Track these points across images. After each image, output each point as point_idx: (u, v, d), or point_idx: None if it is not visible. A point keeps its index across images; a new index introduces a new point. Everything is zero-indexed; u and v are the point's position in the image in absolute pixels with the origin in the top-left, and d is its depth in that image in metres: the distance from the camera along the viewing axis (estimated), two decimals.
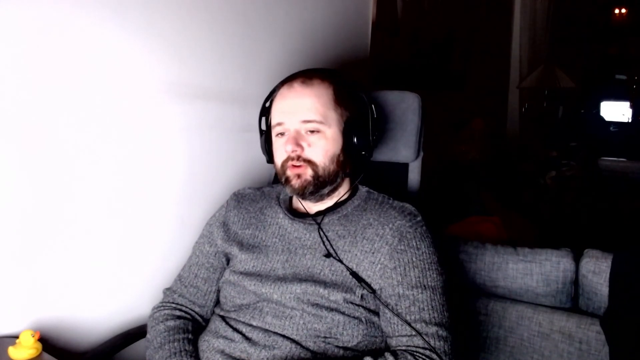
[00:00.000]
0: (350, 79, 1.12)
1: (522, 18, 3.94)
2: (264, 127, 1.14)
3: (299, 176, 1.02)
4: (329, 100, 1.03)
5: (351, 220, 1.05)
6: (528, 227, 2.26)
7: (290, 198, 1.15)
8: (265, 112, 1.13)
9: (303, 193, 1.03)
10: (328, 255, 1.01)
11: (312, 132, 1.02)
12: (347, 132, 1.05)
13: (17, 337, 0.99)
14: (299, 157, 1.01)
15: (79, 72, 1.09)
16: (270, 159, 1.12)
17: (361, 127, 1.06)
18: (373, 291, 0.97)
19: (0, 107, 0.98)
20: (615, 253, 1.12)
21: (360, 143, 1.05)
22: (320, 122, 1.01)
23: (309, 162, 1.02)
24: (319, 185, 1.03)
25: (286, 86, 1.06)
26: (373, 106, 1.09)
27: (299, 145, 1.01)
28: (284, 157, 1.03)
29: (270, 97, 1.11)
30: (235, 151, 1.46)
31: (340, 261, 1.00)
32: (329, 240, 1.02)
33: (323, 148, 1.02)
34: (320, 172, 1.02)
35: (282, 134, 1.04)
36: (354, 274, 0.98)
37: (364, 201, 1.09)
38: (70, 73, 1.07)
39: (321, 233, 1.03)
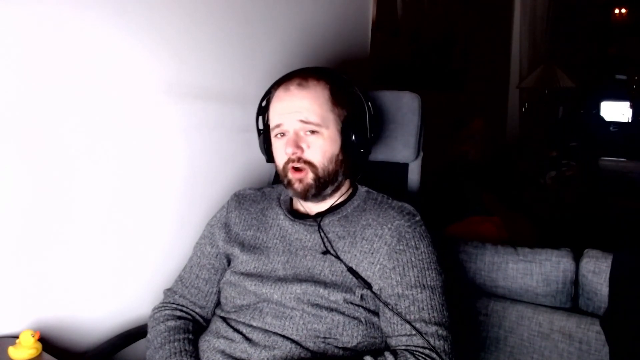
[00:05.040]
0: (346, 76, 1.11)
1: (522, 18, 3.93)
2: (261, 126, 1.15)
3: (300, 180, 1.03)
4: (326, 102, 1.03)
5: (351, 221, 1.05)
6: (528, 227, 2.25)
7: (291, 199, 1.15)
8: (262, 111, 1.14)
9: (306, 196, 1.04)
10: (326, 252, 1.01)
11: (311, 132, 1.02)
12: (345, 131, 1.05)
13: (17, 337, 0.99)
14: (299, 159, 1.02)
15: (79, 72, 1.09)
16: (269, 158, 1.13)
17: (358, 125, 1.06)
18: (369, 287, 0.97)
19: (0, 107, 0.98)
20: (615, 253, 1.13)
21: (359, 141, 1.05)
22: (318, 125, 1.02)
23: (309, 163, 1.02)
24: (321, 186, 1.04)
25: (282, 88, 1.05)
26: (369, 103, 1.09)
27: (299, 147, 1.01)
28: (285, 159, 1.04)
29: (267, 96, 1.11)
30: (235, 151, 1.46)
31: (338, 257, 1.00)
32: (329, 241, 1.03)
33: (322, 149, 1.02)
34: (321, 173, 1.03)
35: (282, 134, 1.04)
36: (351, 270, 0.98)
37: (363, 201, 1.09)
38: (70, 73, 1.07)
39: (321, 233, 1.04)
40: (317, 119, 1.02)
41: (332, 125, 1.04)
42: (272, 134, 1.07)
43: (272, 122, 1.06)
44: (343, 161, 1.06)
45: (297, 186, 1.03)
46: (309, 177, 1.02)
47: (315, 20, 1.70)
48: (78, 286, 1.15)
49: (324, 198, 1.08)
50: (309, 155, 1.02)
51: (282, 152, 1.04)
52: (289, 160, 1.03)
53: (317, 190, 1.04)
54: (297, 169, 1.02)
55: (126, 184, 1.21)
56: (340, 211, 1.08)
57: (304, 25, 1.65)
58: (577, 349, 1.11)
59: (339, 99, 1.06)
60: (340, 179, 1.07)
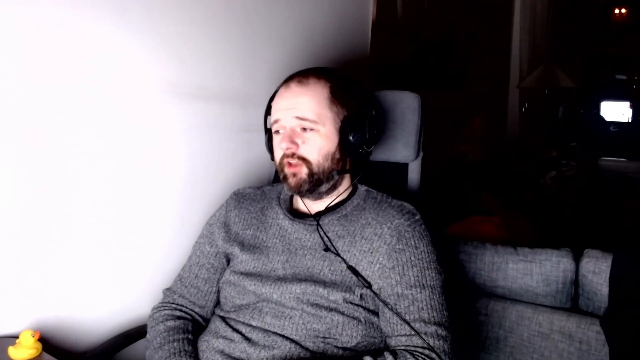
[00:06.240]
0: (349, 77, 1.12)
1: (522, 18, 3.93)
2: (268, 126, 1.15)
3: (294, 175, 1.03)
4: (325, 99, 1.04)
5: (350, 220, 1.05)
6: (528, 227, 2.25)
7: (291, 198, 1.15)
8: (269, 111, 1.14)
9: (299, 191, 1.04)
10: (327, 249, 1.01)
11: (307, 129, 1.03)
12: (343, 130, 1.05)
13: (17, 337, 0.99)
14: (293, 155, 1.03)
15: (79, 72, 1.09)
16: (273, 156, 1.13)
17: (358, 125, 1.06)
18: (369, 285, 0.97)
19: (0, 107, 0.98)
20: (615, 253, 1.13)
21: (357, 141, 1.05)
22: (314, 122, 1.02)
23: (303, 159, 1.03)
24: (315, 183, 1.04)
25: (284, 86, 1.07)
26: (372, 104, 1.10)
27: (293, 142, 1.02)
28: (281, 154, 1.05)
29: (274, 94, 1.12)
30: (235, 151, 1.46)
31: (338, 254, 1.00)
32: (329, 239, 1.03)
33: (317, 146, 1.03)
34: (315, 169, 1.03)
35: (280, 130, 1.05)
36: (351, 268, 0.98)
37: (363, 200, 1.09)
38: (70, 73, 1.07)
39: (320, 232, 1.04)
40: (313, 116, 1.02)
41: (329, 123, 1.04)
42: (272, 130, 1.08)
43: (272, 119, 1.08)
44: (340, 160, 1.06)
45: (291, 180, 1.04)
46: (303, 172, 1.03)
47: (315, 20, 1.70)
48: (78, 286, 1.15)
49: (320, 195, 1.08)
50: (303, 151, 1.03)
51: (278, 147, 1.05)
52: (284, 156, 1.04)
53: (311, 186, 1.04)
54: (291, 164, 1.03)
55: (126, 184, 1.21)
56: (339, 210, 1.08)
57: (304, 25, 1.65)
58: (577, 349, 1.11)
59: (339, 98, 1.06)
60: (336, 177, 1.07)
